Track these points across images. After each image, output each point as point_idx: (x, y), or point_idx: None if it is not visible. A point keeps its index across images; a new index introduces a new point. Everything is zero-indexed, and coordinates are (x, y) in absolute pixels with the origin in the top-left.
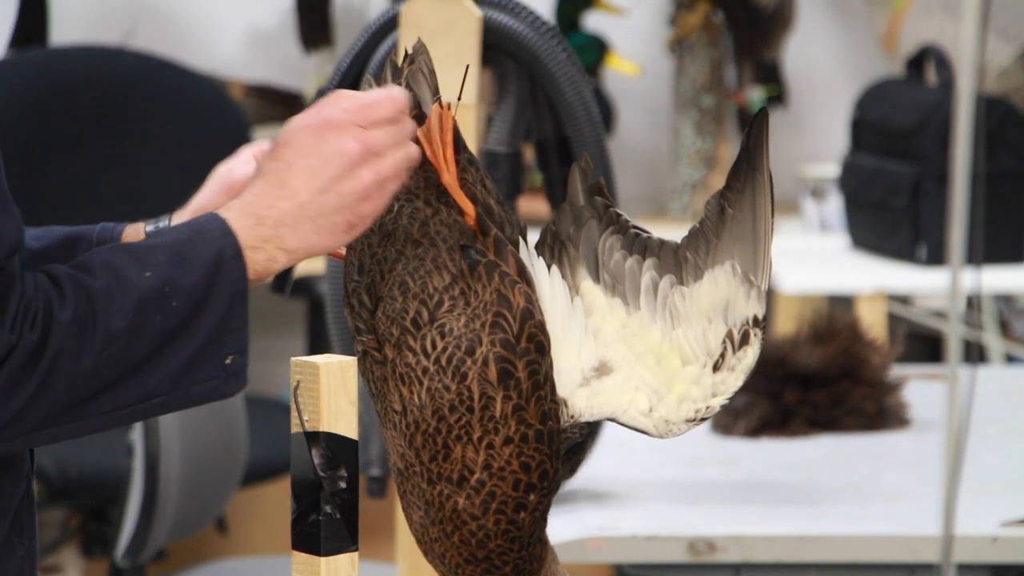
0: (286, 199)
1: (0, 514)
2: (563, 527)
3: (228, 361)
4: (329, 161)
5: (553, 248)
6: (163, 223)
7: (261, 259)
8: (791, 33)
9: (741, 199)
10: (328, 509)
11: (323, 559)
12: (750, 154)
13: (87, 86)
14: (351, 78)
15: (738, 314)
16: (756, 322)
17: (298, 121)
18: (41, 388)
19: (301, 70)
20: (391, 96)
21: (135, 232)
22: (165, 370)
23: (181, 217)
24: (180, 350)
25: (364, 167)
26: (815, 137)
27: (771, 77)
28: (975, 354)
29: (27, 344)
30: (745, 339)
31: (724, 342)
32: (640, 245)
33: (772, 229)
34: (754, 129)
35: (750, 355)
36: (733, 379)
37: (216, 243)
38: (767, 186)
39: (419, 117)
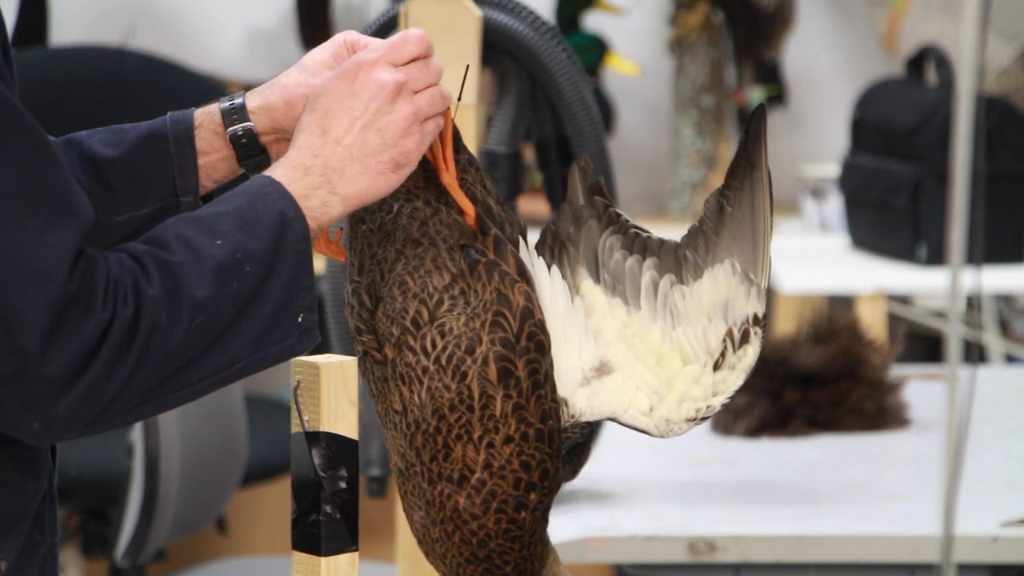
0: (329, 145)
1: (23, 514)
2: (563, 527)
3: (300, 319)
4: (365, 99)
5: (553, 248)
6: (238, 100)
7: (316, 206)
8: (791, 33)
9: (740, 197)
10: (328, 509)
11: (323, 559)
12: (748, 151)
13: (87, 86)
14: None
15: (738, 313)
16: (756, 320)
17: (327, 75)
18: (139, 364)
19: None
20: (416, 34)
21: (207, 116)
22: (246, 335)
23: (253, 99)
24: (257, 314)
25: (401, 100)
26: (815, 137)
27: (771, 77)
28: (975, 354)
29: (122, 321)
30: (745, 338)
31: (724, 341)
32: (640, 245)
33: (771, 227)
34: (752, 126)
35: (750, 354)
36: (734, 378)
37: (277, 205)
38: (766, 183)
39: None
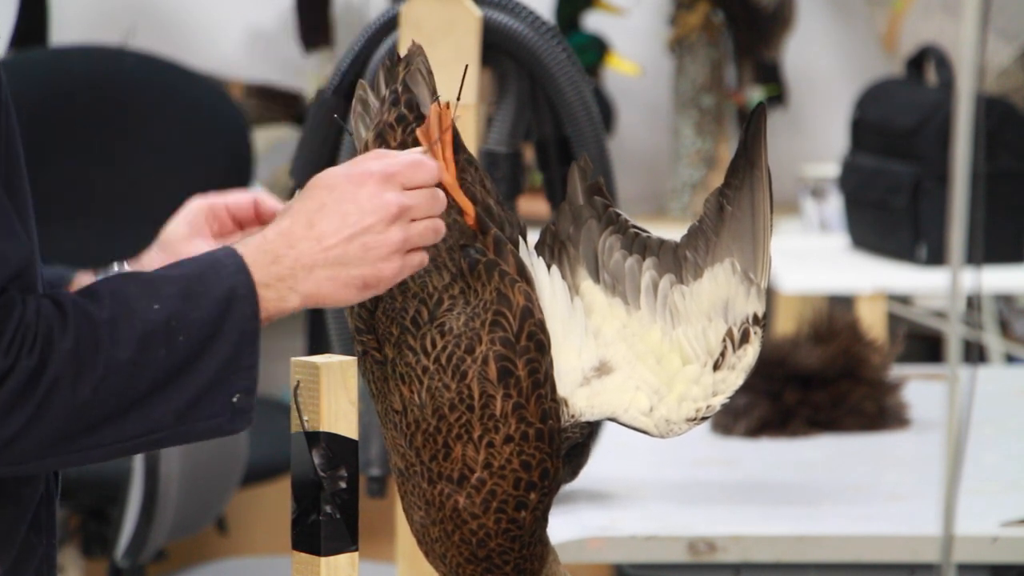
0: (311, 240)
1: (20, 517)
2: (563, 527)
3: (234, 400)
4: (364, 210)
5: (553, 248)
6: (113, 271)
7: (272, 297)
8: (791, 33)
9: (740, 196)
10: (328, 509)
11: (323, 559)
12: (748, 150)
13: (87, 86)
14: (351, 78)
15: (738, 312)
16: (756, 320)
17: (336, 169)
18: (37, 415)
19: (301, 70)
20: (432, 164)
21: (84, 281)
22: (169, 405)
23: (134, 265)
24: (185, 386)
25: (396, 225)
26: (815, 137)
27: (771, 77)
28: (975, 354)
29: (23, 369)
30: (745, 337)
31: (724, 340)
32: (640, 245)
33: (771, 226)
34: (752, 125)
35: (750, 353)
36: (734, 377)
37: (229, 280)
38: (765, 182)
39: (419, 118)
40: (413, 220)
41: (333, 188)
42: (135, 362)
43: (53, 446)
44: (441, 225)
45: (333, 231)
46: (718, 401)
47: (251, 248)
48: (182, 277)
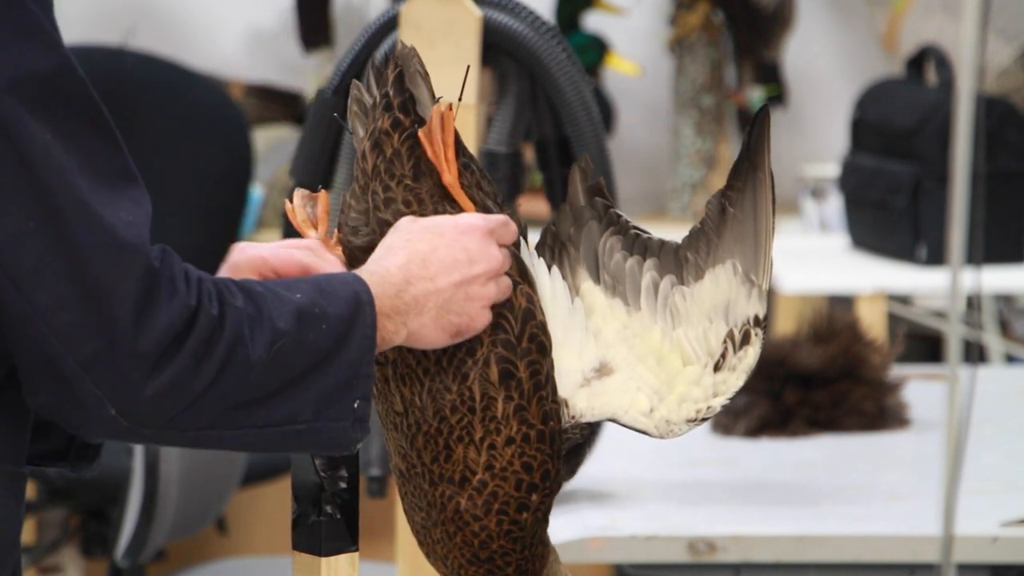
0: (426, 280)
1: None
2: (563, 527)
3: (356, 405)
4: (474, 260)
5: (553, 249)
6: None
7: (389, 328)
8: (791, 33)
9: (742, 198)
10: (329, 509)
11: (323, 559)
12: (751, 153)
13: None
14: (351, 78)
15: (739, 314)
16: (757, 322)
17: (441, 217)
18: (222, 370)
19: (301, 70)
20: (513, 226)
21: None
22: (312, 394)
23: None
24: (326, 376)
25: (495, 281)
26: (815, 137)
27: (771, 77)
28: (975, 354)
29: (207, 316)
30: (746, 339)
31: (725, 342)
32: (640, 246)
33: (773, 228)
34: (755, 128)
35: (751, 355)
36: (734, 379)
37: (352, 287)
38: (768, 185)
39: (416, 122)
40: (502, 277)
41: (443, 234)
42: (295, 335)
43: (224, 414)
44: (508, 284)
45: (446, 275)
46: (718, 402)
47: (375, 277)
48: (312, 281)
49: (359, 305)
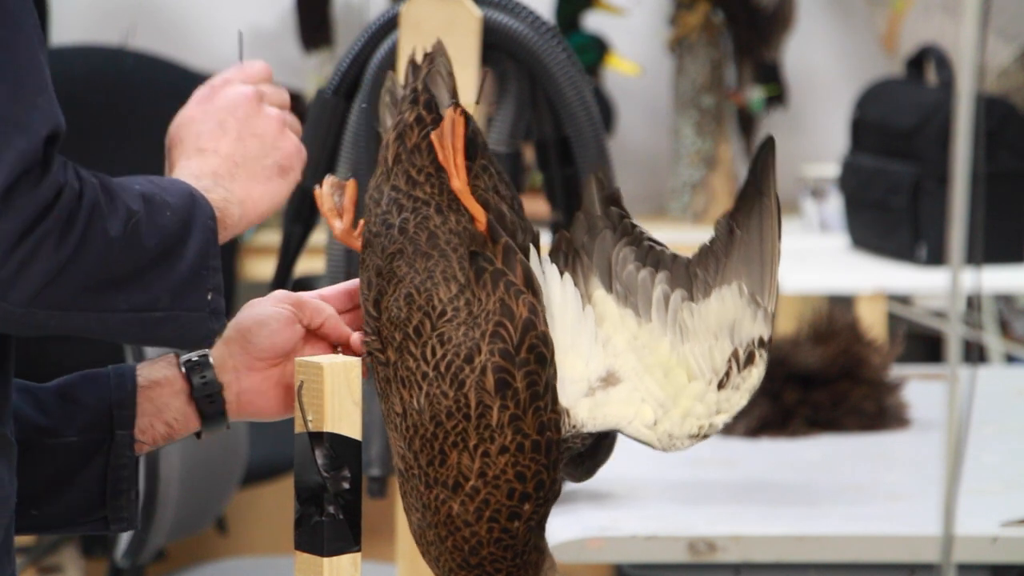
0: (210, 157)
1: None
2: (563, 527)
3: (209, 297)
4: (230, 109)
5: (567, 256)
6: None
7: (217, 199)
8: (791, 33)
9: (749, 221)
10: (331, 510)
11: (326, 560)
12: (758, 179)
13: (87, 86)
14: (351, 78)
15: (744, 334)
16: (762, 343)
17: (182, 110)
18: (84, 242)
19: (301, 70)
20: (260, 63)
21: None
22: (168, 281)
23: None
24: (180, 261)
25: (264, 106)
26: (815, 137)
27: (771, 77)
28: (975, 354)
29: (72, 189)
30: (750, 359)
31: (729, 360)
32: (653, 258)
33: (779, 253)
34: (761, 156)
35: (755, 375)
36: (737, 398)
37: (182, 184)
38: (774, 211)
39: (436, 120)
40: (269, 102)
41: (193, 118)
42: (144, 216)
43: (84, 292)
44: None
45: (220, 142)
46: (721, 420)
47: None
48: (144, 178)
49: (193, 197)
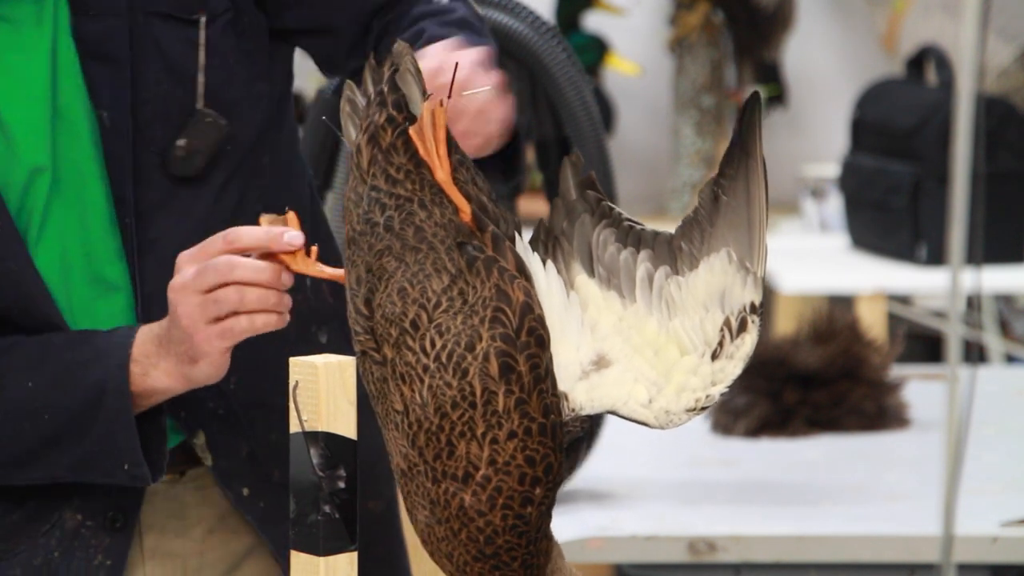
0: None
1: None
2: (563, 527)
3: (125, 467)
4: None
5: (547, 243)
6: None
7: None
8: (791, 33)
9: (735, 185)
10: (327, 509)
11: (322, 559)
12: (743, 140)
13: None
14: (352, 78)
15: (735, 301)
16: (754, 308)
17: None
18: None
19: (301, 70)
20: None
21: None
22: (58, 464)
23: None
24: (65, 453)
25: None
26: (815, 137)
27: (771, 77)
28: (975, 354)
29: None
30: (743, 326)
31: (722, 330)
32: (634, 237)
33: (767, 215)
34: (746, 114)
35: (748, 342)
36: (732, 367)
37: (100, 374)
38: (760, 171)
39: (408, 119)
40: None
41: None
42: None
43: None
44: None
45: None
46: (717, 391)
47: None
48: (65, 363)
49: (102, 393)
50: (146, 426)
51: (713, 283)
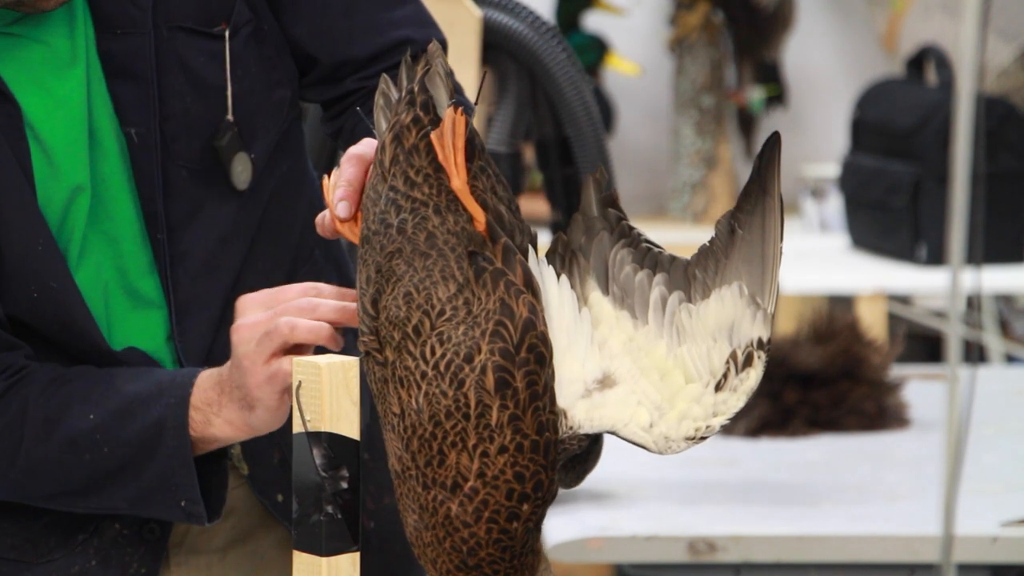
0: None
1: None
2: (563, 527)
3: (183, 504)
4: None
5: (564, 257)
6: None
7: (205, 426)
8: (791, 33)
9: (751, 220)
10: (330, 509)
11: (325, 559)
12: (762, 177)
13: None
14: None
15: (743, 335)
16: (760, 344)
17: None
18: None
19: None
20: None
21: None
22: (114, 497)
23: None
24: (125, 486)
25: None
26: (815, 137)
27: (771, 77)
28: (975, 354)
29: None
30: (748, 361)
31: (728, 362)
32: (651, 260)
33: (781, 253)
34: (766, 153)
35: (753, 377)
36: (735, 400)
37: (161, 412)
38: (777, 211)
39: (434, 121)
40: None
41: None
42: (59, 460)
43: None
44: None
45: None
46: (718, 422)
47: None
48: (128, 397)
49: (161, 431)
50: (207, 467)
51: (723, 315)
